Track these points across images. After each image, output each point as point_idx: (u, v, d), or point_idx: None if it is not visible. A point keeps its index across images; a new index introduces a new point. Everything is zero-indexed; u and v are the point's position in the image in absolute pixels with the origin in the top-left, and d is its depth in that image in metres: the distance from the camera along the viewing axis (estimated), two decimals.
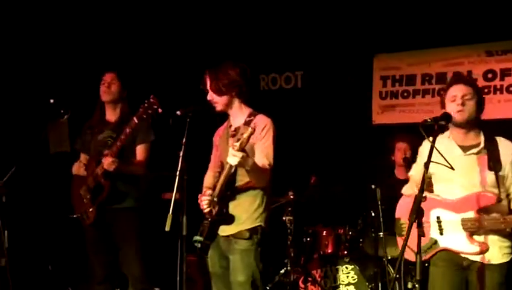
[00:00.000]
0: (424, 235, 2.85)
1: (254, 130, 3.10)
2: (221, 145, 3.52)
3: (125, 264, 4.02)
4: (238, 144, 3.05)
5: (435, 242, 3.12)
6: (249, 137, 3.06)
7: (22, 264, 4.95)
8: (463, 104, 3.04)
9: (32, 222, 5.43)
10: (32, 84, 5.58)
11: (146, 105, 3.62)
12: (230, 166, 3.17)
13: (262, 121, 3.34)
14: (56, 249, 5.47)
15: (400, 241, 3.28)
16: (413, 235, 2.78)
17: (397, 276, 4.08)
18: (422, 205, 2.85)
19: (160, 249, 4.28)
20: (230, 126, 3.49)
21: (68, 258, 5.38)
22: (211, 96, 3.40)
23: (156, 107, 3.59)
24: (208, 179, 3.61)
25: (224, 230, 3.36)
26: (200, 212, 3.49)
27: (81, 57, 5.78)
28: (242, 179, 3.33)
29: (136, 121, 3.69)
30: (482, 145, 3.08)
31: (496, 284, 3.03)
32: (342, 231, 4.93)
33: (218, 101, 3.41)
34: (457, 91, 3.07)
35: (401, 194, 3.43)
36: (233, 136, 3.42)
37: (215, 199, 3.32)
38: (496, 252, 3.04)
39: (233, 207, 3.33)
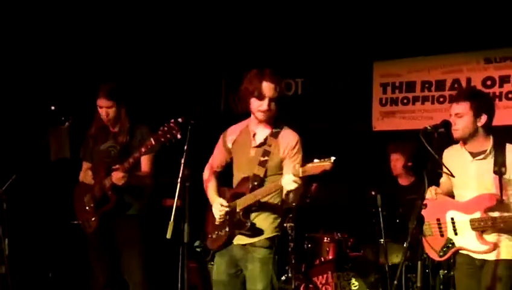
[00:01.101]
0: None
1: (331, 166, 2.91)
2: (240, 151, 3.41)
3: (126, 271, 4.02)
4: (300, 170, 2.97)
5: (452, 242, 3.36)
6: (319, 170, 2.94)
7: (23, 271, 4.94)
8: (455, 123, 3.28)
9: (32, 229, 5.42)
10: (34, 91, 5.58)
11: (166, 129, 3.50)
12: (279, 187, 3.09)
13: (293, 138, 3.30)
14: (56, 256, 5.46)
15: (424, 241, 3.49)
16: (434, 237, 3.26)
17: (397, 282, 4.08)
18: (440, 206, 3.32)
19: (162, 256, 4.28)
20: (254, 134, 3.37)
21: (69, 265, 5.37)
22: (270, 105, 3.22)
23: (175, 132, 3.47)
24: (205, 175, 3.53)
25: (242, 239, 3.32)
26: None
27: (82, 64, 5.78)
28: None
29: (154, 143, 3.63)
30: (489, 151, 3.31)
31: (503, 277, 3.22)
32: (343, 237, 4.93)
33: (274, 111, 3.27)
34: (452, 110, 3.34)
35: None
36: (259, 146, 3.32)
37: (240, 212, 3.28)
38: (504, 249, 3.26)
39: (253, 217, 3.29)
